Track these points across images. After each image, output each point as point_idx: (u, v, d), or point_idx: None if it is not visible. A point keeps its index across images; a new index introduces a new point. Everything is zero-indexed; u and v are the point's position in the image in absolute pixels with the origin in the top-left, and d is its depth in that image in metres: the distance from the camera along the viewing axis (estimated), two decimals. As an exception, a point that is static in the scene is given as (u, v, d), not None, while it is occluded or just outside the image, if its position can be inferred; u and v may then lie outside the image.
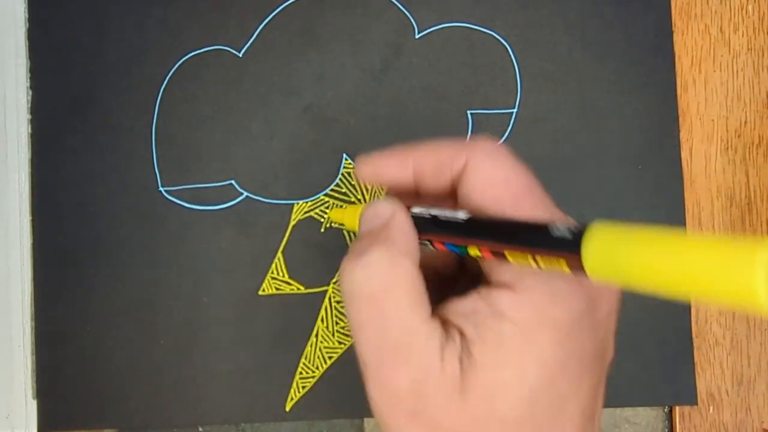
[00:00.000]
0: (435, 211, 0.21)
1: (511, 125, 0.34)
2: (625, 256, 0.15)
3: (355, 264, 0.19)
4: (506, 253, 0.18)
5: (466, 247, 0.20)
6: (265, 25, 0.35)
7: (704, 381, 0.34)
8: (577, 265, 0.16)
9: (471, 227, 0.20)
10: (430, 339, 0.19)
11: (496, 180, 0.20)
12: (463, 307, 0.20)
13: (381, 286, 0.19)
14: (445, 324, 0.20)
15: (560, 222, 0.17)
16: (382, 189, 0.34)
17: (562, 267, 0.17)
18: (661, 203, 0.34)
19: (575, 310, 0.19)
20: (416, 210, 0.21)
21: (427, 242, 0.21)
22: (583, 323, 0.19)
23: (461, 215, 0.20)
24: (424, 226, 0.21)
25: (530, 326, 0.18)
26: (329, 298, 0.33)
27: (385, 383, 0.19)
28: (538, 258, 0.18)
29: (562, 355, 0.19)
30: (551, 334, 0.18)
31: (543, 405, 0.18)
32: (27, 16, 0.35)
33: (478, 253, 0.19)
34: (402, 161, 0.22)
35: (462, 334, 0.19)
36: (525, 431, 0.18)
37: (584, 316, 0.19)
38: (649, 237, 0.15)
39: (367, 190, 0.34)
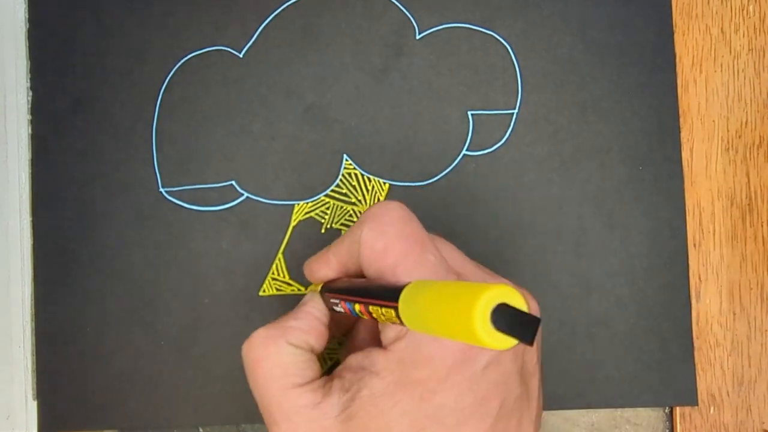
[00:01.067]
0: (348, 283, 0.25)
1: (511, 126, 0.34)
2: (417, 309, 0.18)
3: (246, 339, 0.24)
4: (370, 309, 0.21)
5: (356, 312, 0.23)
6: (265, 26, 0.35)
7: (705, 382, 0.34)
8: (401, 320, 0.19)
9: (355, 293, 0.23)
10: (298, 402, 0.23)
11: (376, 252, 0.23)
12: (354, 362, 0.23)
13: (255, 360, 0.24)
14: (340, 378, 0.23)
15: (402, 282, 0.20)
16: (382, 193, 0.34)
17: (397, 323, 0.20)
18: (662, 203, 0.34)
19: (439, 369, 0.21)
20: (339, 282, 0.25)
21: (340, 307, 0.24)
22: (452, 380, 0.21)
23: (357, 284, 0.24)
24: (339, 293, 0.24)
25: (398, 384, 0.22)
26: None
27: None
28: (384, 313, 0.20)
29: (431, 410, 0.21)
30: (416, 391, 0.21)
31: None
32: (27, 16, 0.35)
33: (363, 316, 0.22)
34: (325, 260, 0.26)
35: (348, 389, 0.23)
36: None
37: (453, 373, 0.21)
38: (429, 290, 0.18)
39: (367, 190, 0.34)
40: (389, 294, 0.20)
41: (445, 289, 0.17)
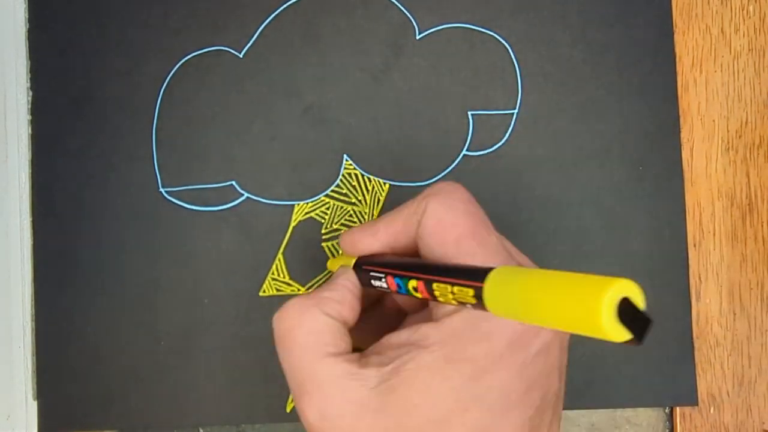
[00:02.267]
0: (391, 259, 0.24)
1: (511, 126, 0.34)
2: (512, 293, 0.17)
3: (279, 309, 0.23)
4: (434, 287, 0.21)
5: (407, 288, 0.22)
6: (265, 26, 0.34)
7: (705, 382, 0.34)
8: (481, 302, 0.18)
9: (415, 267, 0.22)
10: (332, 371, 0.22)
11: (444, 224, 0.22)
12: (396, 339, 0.22)
13: (288, 328, 0.23)
14: (378, 354, 0.22)
15: (479, 265, 0.20)
16: (382, 193, 0.34)
17: (472, 303, 0.19)
18: (662, 203, 0.34)
19: (495, 348, 0.21)
20: (388, 258, 0.25)
21: (384, 283, 0.24)
22: (505, 361, 0.21)
23: (406, 260, 0.23)
24: (380, 269, 0.24)
25: (448, 359, 0.21)
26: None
27: (301, 414, 0.22)
28: (455, 292, 0.20)
29: (479, 390, 0.21)
30: (467, 369, 0.21)
31: (455, 430, 0.21)
32: (27, 16, 0.35)
33: (417, 294, 0.22)
34: (372, 231, 0.25)
35: (387, 363, 0.22)
36: None
37: (507, 355, 0.21)
38: (529, 277, 0.17)
39: (367, 190, 0.34)
40: (470, 274, 0.19)
41: (555, 278, 0.17)
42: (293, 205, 0.34)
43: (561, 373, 0.23)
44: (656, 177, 0.34)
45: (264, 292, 0.34)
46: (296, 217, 0.34)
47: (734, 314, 0.34)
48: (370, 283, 0.25)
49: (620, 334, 0.15)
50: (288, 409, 0.33)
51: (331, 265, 0.29)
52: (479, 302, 0.19)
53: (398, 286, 0.23)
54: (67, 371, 0.33)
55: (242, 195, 0.34)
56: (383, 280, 0.24)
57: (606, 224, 0.34)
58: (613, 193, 0.34)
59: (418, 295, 0.22)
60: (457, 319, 0.21)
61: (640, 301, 0.15)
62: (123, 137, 0.34)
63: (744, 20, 0.35)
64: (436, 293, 0.21)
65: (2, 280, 0.34)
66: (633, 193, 0.34)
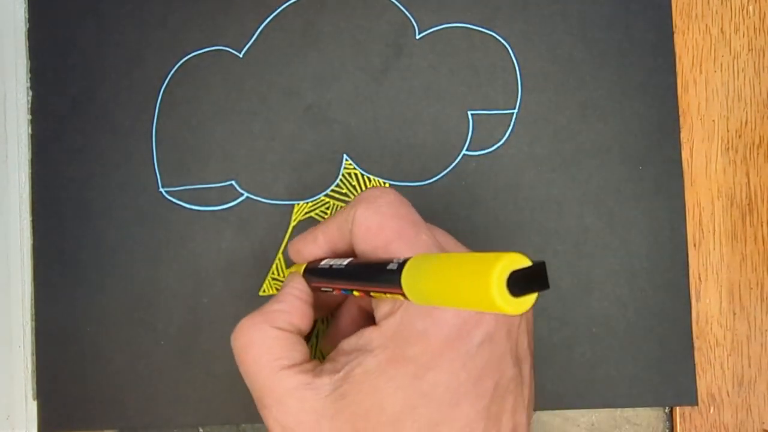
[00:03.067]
0: (332, 261, 0.25)
1: (511, 126, 0.34)
2: (423, 280, 0.18)
3: (234, 329, 0.25)
4: (367, 289, 0.21)
5: (350, 290, 0.23)
6: (265, 26, 0.35)
7: (705, 382, 0.34)
8: (402, 292, 0.19)
9: (346, 272, 0.23)
10: (288, 384, 0.23)
11: (372, 230, 0.23)
12: (347, 345, 0.23)
13: (242, 347, 0.24)
14: (332, 361, 0.23)
15: (398, 258, 0.20)
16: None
17: (399, 297, 0.20)
18: (662, 203, 0.34)
19: (433, 345, 0.21)
20: (323, 262, 0.25)
21: (330, 289, 0.25)
22: (446, 356, 0.21)
23: (344, 262, 0.24)
24: (325, 275, 0.25)
25: (390, 361, 0.21)
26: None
27: (267, 427, 0.23)
28: (381, 290, 0.20)
29: (425, 387, 0.21)
30: (410, 369, 0.21)
31: (408, 428, 0.21)
32: (27, 16, 0.35)
33: (356, 292, 0.23)
34: (312, 238, 0.26)
35: (339, 370, 0.22)
36: None
37: (447, 350, 0.21)
38: (437, 262, 0.18)
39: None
40: (389, 272, 0.20)
41: (455, 260, 0.17)
42: (293, 205, 0.34)
43: (517, 358, 0.23)
44: (656, 177, 0.34)
45: (264, 291, 0.34)
46: (296, 217, 0.34)
47: (734, 314, 0.34)
48: (318, 288, 0.25)
49: (515, 306, 0.15)
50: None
51: (287, 272, 0.30)
52: (403, 293, 0.19)
53: (340, 289, 0.24)
54: (67, 371, 0.33)
55: (242, 195, 0.34)
56: (328, 284, 0.24)
57: (606, 224, 0.34)
58: (613, 192, 0.34)
59: (358, 293, 0.23)
60: (394, 321, 0.22)
61: (525, 263, 0.16)
62: (123, 137, 0.34)
63: (744, 20, 0.35)
64: (371, 292, 0.22)
65: (2, 280, 0.34)
66: (633, 192, 0.34)
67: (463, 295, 0.16)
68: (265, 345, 0.24)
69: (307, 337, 0.26)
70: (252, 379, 0.24)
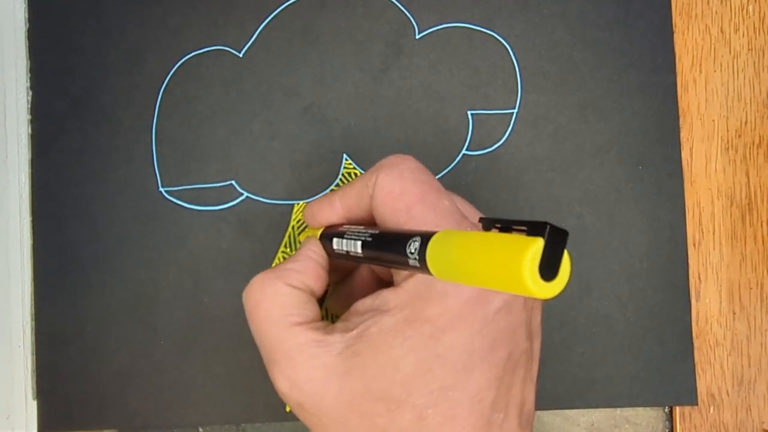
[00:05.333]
0: (351, 228, 0.24)
1: (511, 125, 0.34)
2: (451, 257, 0.18)
3: (246, 286, 0.24)
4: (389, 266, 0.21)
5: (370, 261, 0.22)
6: (265, 26, 0.35)
7: (704, 381, 0.34)
8: (425, 267, 0.19)
9: (369, 245, 0.23)
10: (298, 340, 0.22)
11: (394, 194, 0.23)
12: (362, 306, 0.23)
13: (254, 302, 0.24)
14: (344, 321, 0.23)
15: (421, 232, 0.20)
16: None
17: (422, 271, 0.19)
18: (661, 203, 0.34)
19: (452, 307, 0.21)
20: (343, 228, 0.25)
21: (345, 254, 0.24)
22: (464, 320, 0.21)
23: (364, 231, 0.23)
24: (342, 248, 0.24)
25: (407, 321, 0.21)
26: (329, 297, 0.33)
27: (274, 384, 0.23)
28: (403, 267, 0.20)
29: (440, 349, 0.21)
30: (426, 329, 0.21)
31: (420, 390, 0.21)
32: (27, 16, 0.35)
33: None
34: (329, 203, 0.26)
35: (352, 329, 0.22)
36: (404, 411, 0.21)
37: (465, 313, 0.21)
38: (465, 239, 0.17)
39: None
40: (411, 251, 0.20)
41: (484, 239, 0.17)
42: (293, 205, 0.34)
43: (530, 332, 0.23)
44: (656, 177, 0.34)
45: (264, 291, 0.34)
46: (296, 217, 0.34)
47: (734, 314, 0.34)
48: (333, 253, 0.25)
49: (547, 291, 0.15)
50: (288, 409, 0.33)
51: (302, 237, 0.29)
52: (425, 268, 0.19)
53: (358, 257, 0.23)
54: (66, 371, 0.33)
55: (242, 194, 0.34)
56: (345, 249, 0.24)
57: (606, 224, 0.34)
58: (613, 192, 0.34)
59: (376, 262, 0.22)
60: (415, 282, 0.22)
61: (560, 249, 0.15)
62: (123, 137, 0.34)
63: (744, 20, 0.35)
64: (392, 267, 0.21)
65: (2, 280, 0.34)
66: (633, 192, 0.34)
67: (494, 277, 0.16)
68: (278, 301, 0.23)
69: (320, 302, 0.25)
70: (262, 335, 0.23)
